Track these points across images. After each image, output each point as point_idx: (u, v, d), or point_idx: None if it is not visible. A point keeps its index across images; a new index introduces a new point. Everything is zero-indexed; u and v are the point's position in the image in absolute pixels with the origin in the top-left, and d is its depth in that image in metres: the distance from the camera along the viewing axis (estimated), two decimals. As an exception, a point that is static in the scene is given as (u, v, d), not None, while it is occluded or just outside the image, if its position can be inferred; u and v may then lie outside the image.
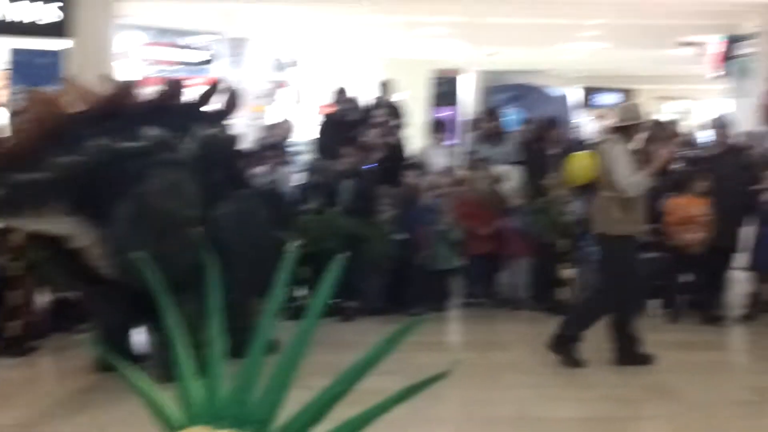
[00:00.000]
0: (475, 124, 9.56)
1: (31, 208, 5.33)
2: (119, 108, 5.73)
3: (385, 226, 7.75)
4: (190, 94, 6.44)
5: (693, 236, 7.61)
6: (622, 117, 6.48)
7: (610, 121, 6.90)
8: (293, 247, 6.41)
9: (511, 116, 20.74)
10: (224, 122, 6.52)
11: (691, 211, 7.62)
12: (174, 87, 6.23)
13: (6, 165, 5.26)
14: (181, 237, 5.54)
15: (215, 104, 6.57)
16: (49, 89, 6.15)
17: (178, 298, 2.31)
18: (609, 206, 6.22)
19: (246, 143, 8.43)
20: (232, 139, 6.61)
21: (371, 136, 8.66)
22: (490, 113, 9.18)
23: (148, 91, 6.21)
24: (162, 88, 6.12)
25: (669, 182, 8.42)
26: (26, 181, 5.29)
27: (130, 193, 5.53)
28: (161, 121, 5.87)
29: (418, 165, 8.64)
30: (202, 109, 6.39)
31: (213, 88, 6.56)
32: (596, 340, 7.24)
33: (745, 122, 10.78)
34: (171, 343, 2.22)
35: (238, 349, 5.40)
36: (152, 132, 5.76)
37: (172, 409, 2.13)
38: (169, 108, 6.07)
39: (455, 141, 13.16)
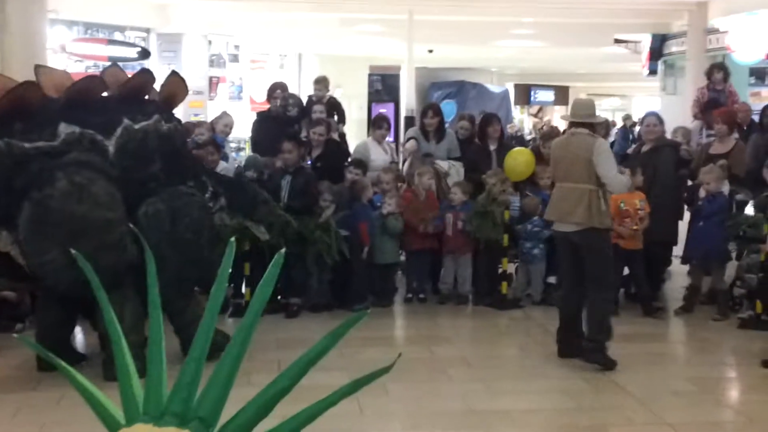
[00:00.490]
0: (417, 120, 9.48)
1: None
2: (29, 106, 5.48)
3: (329, 222, 7.64)
4: (120, 87, 6.09)
5: (631, 230, 7.68)
6: (586, 112, 6.35)
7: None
8: (262, 234, 6.22)
9: (450, 112, 20.75)
10: (163, 114, 6.13)
11: (627, 205, 7.69)
12: (92, 81, 5.91)
13: None
14: (96, 239, 5.31)
15: (153, 95, 6.30)
16: None
17: (108, 299, 2.24)
18: (596, 199, 6.13)
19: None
20: (172, 132, 6.15)
21: (311, 132, 8.54)
22: (431, 109, 9.11)
23: (68, 86, 5.82)
24: (80, 83, 5.78)
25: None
26: None
27: (30, 196, 5.32)
28: (85, 116, 5.60)
29: (359, 161, 8.56)
30: (137, 101, 6.08)
31: (146, 79, 6.22)
32: (540, 333, 7.28)
33: (675, 119, 10.97)
34: (110, 342, 2.16)
35: (183, 347, 5.24)
36: (67, 130, 5.51)
37: (114, 408, 2.07)
38: (94, 102, 5.78)
39: (393, 137, 13.13)
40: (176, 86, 6.40)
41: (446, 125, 9.62)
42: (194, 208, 6.00)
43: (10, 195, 5.33)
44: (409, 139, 8.94)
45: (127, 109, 5.87)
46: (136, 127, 5.80)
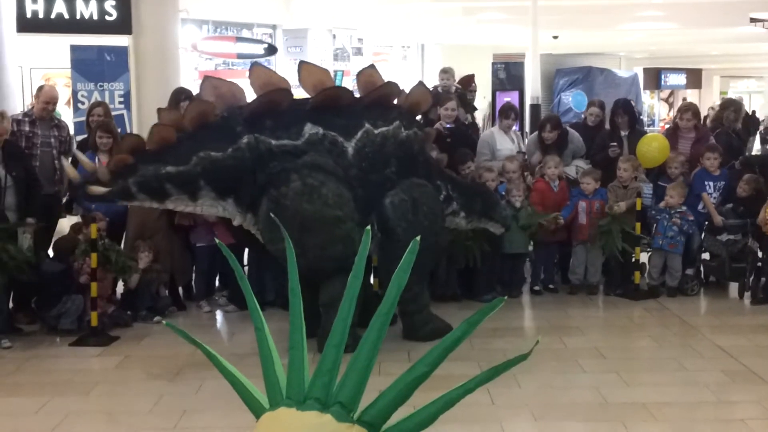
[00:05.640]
0: (536, 130, 9.14)
1: (181, 194, 5.95)
2: (278, 106, 6.02)
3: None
4: (366, 96, 6.41)
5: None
6: None
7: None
8: (498, 230, 6.45)
9: (581, 103, 20.28)
10: (404, 120, 6.44)
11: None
12: (341, 91, 6.32)
13: (153, 158, 5.85)
14: (326, 233, 5.85)
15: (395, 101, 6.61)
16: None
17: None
18: None
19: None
20: (411, 138, 6.47)
21: (443, 109, 8.45)
22: (549, 122, 8.79)
23: (317, 91, 6.21)
24: (330, 92, 6.18)
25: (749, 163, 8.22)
26: (173, 172, 5.86)
27: (269, 193, 5.93)
28: (330, 118, 6.08)
29: (484, 150, 8.48)
30: (382, 107, 6.38)
31: (392, 89, 6.49)
32: (676, 324, 7.07)
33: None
34: (255, 329, 2.21)
35: (409, 332, 5.43)
36: (312, 130, 6.02)
37: (258, 392, 2.13)
38: (341, 106, 6.18)
39: (519, 126, 12.98)
40: (421, 95, 6.79)
41: (571, 121, 9.30)
42: (429, 197, 6.44)
43: (254, 186, 5.99)
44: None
45: (370, 114, 6.30)
46: (376, 131, 6.26)
